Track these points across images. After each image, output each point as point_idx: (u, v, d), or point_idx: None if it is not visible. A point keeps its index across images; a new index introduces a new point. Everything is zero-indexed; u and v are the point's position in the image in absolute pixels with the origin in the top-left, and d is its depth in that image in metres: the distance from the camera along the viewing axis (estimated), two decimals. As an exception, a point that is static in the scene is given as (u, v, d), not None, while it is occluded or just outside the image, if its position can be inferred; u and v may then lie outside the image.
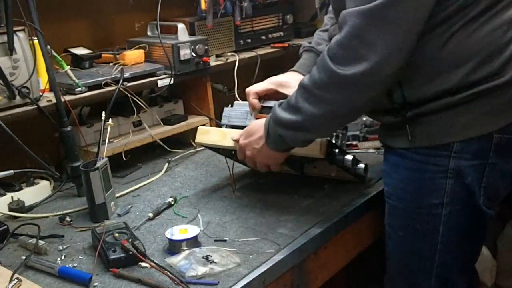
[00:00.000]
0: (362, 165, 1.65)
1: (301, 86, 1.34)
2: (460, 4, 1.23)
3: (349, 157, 1.59)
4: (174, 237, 1.37)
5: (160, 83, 1.97)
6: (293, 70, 1.69)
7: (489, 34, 1.24)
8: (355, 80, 1.22)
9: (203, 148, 2.10)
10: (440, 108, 1.28)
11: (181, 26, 2.04)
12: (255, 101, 1.62)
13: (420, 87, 1.29)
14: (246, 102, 1.68)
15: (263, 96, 1.64)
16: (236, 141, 1.56)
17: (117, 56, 1.97)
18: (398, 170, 1.40)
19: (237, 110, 1.71)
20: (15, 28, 1.61)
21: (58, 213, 1.64)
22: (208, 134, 1.69)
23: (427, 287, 1.42)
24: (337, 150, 1.58)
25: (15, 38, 1.62)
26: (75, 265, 1.36)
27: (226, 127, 1.72)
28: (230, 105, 1.77)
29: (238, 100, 2.29)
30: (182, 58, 1.99)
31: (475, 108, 1.27)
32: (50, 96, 1.73)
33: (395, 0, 1.17)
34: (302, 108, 1.32)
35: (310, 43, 1.73)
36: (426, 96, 1.29)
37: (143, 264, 1.31)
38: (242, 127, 1.62)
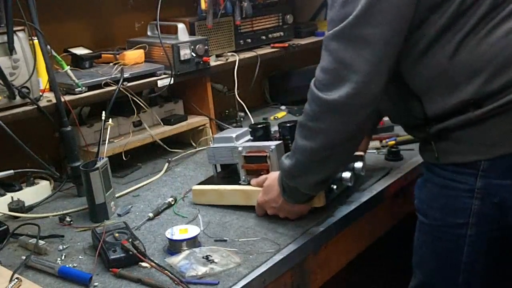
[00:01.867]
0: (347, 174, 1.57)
1: (298, 125, 1.33)
2: (455, 10, 1.19)
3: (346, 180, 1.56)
4: (174, 237, 1.37)
5: (160, 83, 1.97)
6: None
7: (501, 40, 1.19)
8: (343, 103, 1.21)
9: (203, 148, 2.11)
10: (464, 124, 1.23)
11: (181, 26, 2.04)
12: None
13: (438, 101, 1.25)
14: (225, 132, 1.72)
15: None
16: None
17: (117, 56, 1.97)
18: (427, 185, 1.36)
19: (221, 149, 1.67)
20: (15, 28, 1.61)
21: (58, 213, 1.64)
22: (205, 195, 1.64)
23: None
24: (334, 187, 1.54)
25: (15, 38, 1.62)
26: (75, 265, 1.36)
27: (215, 166, 1.72)
28: (211, 142, 1.80)
29: (238, 100, 2.30)
30: (182, 58, 1.99)
31: (501, 123, 1.20)
32: (50, 96, 1.73)
33: (363, 16, 1.16)
34: (301, 147, 1.31)
35: None
36: (446, 110, 1.24)
37: (143, 264, 1.31)
38: (231, 165, 1.67)
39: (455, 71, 1.22)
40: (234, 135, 1.67)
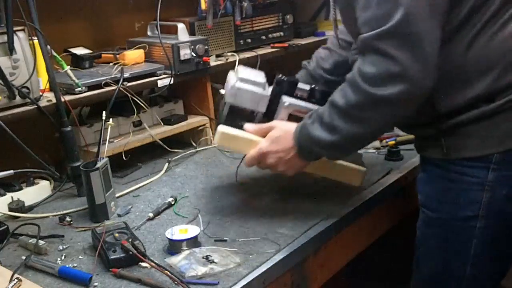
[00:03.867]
0: None
1: (334, 105, 1.31)
2: (472, 4, 1.22)
3: None
4: (174, 237, 1.37)
5: (160, 83, 1.97)
6: None
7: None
8: (396, 99, 1.21)
9: (203, 148, 2.11)
10: (476, 118, 1.25)
11: (181, 26, 2.04)
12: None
13: (451, 97, 1.27)
14: (249, 73, 1.58)
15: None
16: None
17: (117, 56, 1.97)
18: (435, 180, 1.38)
19: (249, 93, 1.53)
20: (15, 28, 1.61)
21: (58, 213, 1.64)
22: (234, 142, 1.51)
23: None
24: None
25: (15, 38, 1.61)
26: (75, 265, 1.36)
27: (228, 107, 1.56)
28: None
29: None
30: (182, 58, 1.99)
31: None
32: (50, 96, 1.72)
33: (411, 14, 1.16)
34: (339, 128, 1.31)
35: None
36: (459, 105, 1.27)
37: (143, 264, 1.31)
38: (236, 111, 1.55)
39: (469, 66, 1.25)
40: (263, 81, 1.56)
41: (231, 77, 1.60)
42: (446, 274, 1.40)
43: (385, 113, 1.26)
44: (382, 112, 1.26)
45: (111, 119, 1.78)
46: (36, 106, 1.67)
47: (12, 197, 1.67)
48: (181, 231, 1.39)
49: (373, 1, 1.20)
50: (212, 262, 1.30)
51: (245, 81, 1.55)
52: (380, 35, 1.19)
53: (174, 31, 2.04)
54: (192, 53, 2.02)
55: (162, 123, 2.08)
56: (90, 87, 1.80)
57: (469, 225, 1.32)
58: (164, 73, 1.98)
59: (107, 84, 1.83)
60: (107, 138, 1.73)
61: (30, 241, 1.44)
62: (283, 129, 1.45)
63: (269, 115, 1.57)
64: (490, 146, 1.27)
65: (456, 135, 1.30)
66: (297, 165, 1.46)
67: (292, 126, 1.43)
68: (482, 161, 1.28)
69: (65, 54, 1.90)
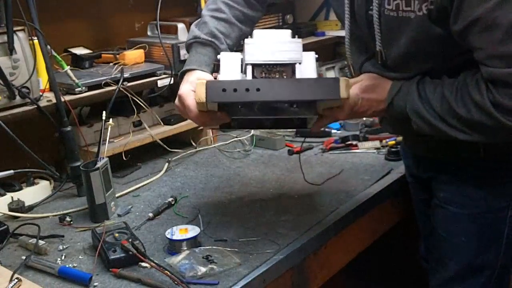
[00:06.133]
0: None
1: (451, 109, 1.22)
2: None
3: None
4: (174, 237, 1.38)
5: (160, 83, 1.97)
6: (193, 69, 1.42)
7: None
8: None
9: (203, 148, 2.11)
10: None
11: (181, 26, 2.04)
12: None
13: None
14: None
15: None
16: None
17: (117, 56, 1.97)
18: (463, 178, 1.39)
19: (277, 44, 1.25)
20: (15, 28, 1.61)
21: (58, 213, 1.64)
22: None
23: (488, 287, 1.43)
24: None
25: (15, 38, 1.61)
26: (75, 265, 1.36)
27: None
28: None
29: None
30: (182, 58, 1.98)
31: None
32: (50, 96, 1.72)
33: None
34: (453, 126, 1.23)
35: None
36: None
37: (143, 264, 1.31)
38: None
39: None
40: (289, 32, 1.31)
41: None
42: (479, 267, 1.42)
43: (502, 137, 1.24)
44: (496, 136, 1.23)
45: (111, 119, 1.78)
46: (36, 106, 1.67)
47: (12, 197, 1.67)
48: (181, 231, 1.39)
49: None
50: (212, 262, 1.30)
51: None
52: None
53: (174, 31, 2.04)
54: (192, 53, 2.01)
55: (162, 123, 2.08)
56: (90, 87, 1.80)
57: (501, 215, 1.36)
58: (164, 73, 1.98)
59: (107, 84, 1.83)
60: (107, 138, 1.73)
61: (30, 241, 1.44)
62: (379, 81, 1.33)
63: None
64: None
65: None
66: (377, 113, 1.37)
67: (386, 80, 1.32)
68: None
69: (65, 54, 1.90)
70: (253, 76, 1.22)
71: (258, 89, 1.15)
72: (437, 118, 1.25)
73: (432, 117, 1.25)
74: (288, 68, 1.22)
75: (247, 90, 1.15)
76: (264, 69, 1.24)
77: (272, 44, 1.23)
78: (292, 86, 1.17)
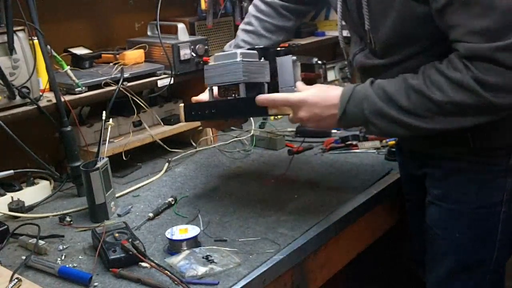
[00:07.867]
0: None
1: (424, 96, 1.22)
2: None
3: None
4: (174, 237, 1.38)
5: (160, 83, 1.97)
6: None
7: None
8: (506, 108, 1.19)
9: (203, 148, 2.11)
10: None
11: (181, 26, 2.04)
12: None
13: None
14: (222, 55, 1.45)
15: None
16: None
17: (117, 56, 1.97)
18: (455, 173, 1.40)
19: (226, 65, 1.41)
20: (15, 28, 1.61)
21: (58, 213, 1.64)
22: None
23: (483, 284, 1.44)
24: None
25: (15, 38, 1.61)
26: (75, 265, 1.36)
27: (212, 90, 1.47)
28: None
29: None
30: (182, 58, 1.99)
31: None
32: (50, 96, 1.72)
33: None
34: (426, 117, 1.23)
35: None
36: None
37: (143, 264, 1.31)
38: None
39: None
40: (239, 52, 1.42)
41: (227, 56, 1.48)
42: (475, 263, 1.43)
43: (483, 118, 1.22)
44: (483, 118, 1.21)
45: (111, 119, 1.78)
46: (36, 106, 1.67)
47: (12, 197, 1.67)
48: (181, 231, 1.39)
49: (496, 11, 1.12)
50: (212, 262, 1.30)
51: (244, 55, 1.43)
52: (505, 48, 1.13)
53: (174, 31, 2.04)
54: (192, 53, 2.01)
55: (162, 123, 2.08)
56: (90, 87, 1.80)
57: (494, 211, 1.37)
58: (164, 73, 1.98)
59: (107, 84, 1.83)
60: (107, 138, 1.73)
61: (30, 241, 1.44)
62: (332, 94, 1.34)
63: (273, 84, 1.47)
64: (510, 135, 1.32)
65: (483, 129, 1.28)
66: (325, 126, 1.38)
67: (336, 89, 1.35)
68: (504, 148, 1.33)
69: (65, 54, 1.90)
70: (213, 95, 1.48)
71: (213, 110, 1.47)
72: (406, 113, 1.25)
73: (399, 114, 1.25)
74: (237, 86, 1.41)
75: (207, 111, 1.48)
76: (222, 89, 1.46)
77: (223, 67, 1.42)
78: (235, 105, 1.43)
